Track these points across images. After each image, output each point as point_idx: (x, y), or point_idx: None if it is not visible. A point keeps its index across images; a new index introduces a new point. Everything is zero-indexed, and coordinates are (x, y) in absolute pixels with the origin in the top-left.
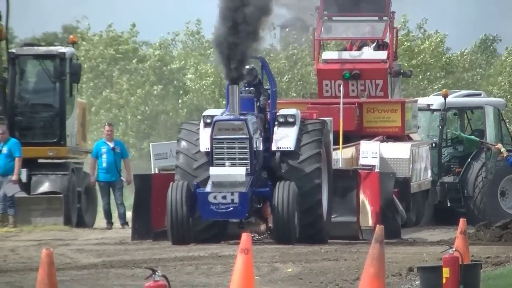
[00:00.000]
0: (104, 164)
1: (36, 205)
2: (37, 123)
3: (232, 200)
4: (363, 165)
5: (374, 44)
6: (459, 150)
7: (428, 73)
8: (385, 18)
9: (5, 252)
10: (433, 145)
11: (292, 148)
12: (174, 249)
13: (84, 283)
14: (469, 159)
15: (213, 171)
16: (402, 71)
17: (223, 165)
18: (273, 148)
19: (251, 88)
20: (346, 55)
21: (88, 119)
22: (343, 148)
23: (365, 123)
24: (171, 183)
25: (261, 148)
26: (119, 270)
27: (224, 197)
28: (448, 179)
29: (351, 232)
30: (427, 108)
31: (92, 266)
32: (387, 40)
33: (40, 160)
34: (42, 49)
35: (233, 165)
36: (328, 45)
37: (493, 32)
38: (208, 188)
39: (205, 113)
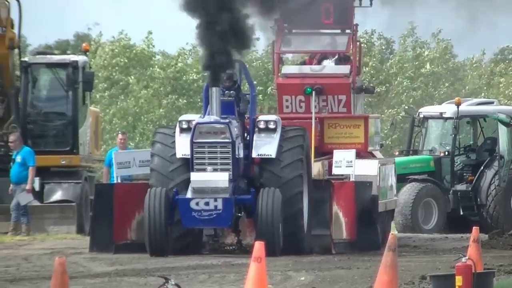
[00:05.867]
0: None
1: (49, 214)
2: (50, 132)
3: (216, 206)
4: (336, 175)
5: (335, 57)
6: (471, 158)
7: (431, 82)
8: (348, 30)
9: (18, 261)
10: (446, 153)
11: (273, 156)
12: (187, 257)
13: None
14: (482, 167)
15: (194, 176)
16: (364, 87)
17: (204, 170)
18: (254, 155)
19: (232, 92)
20: (307, 69)
21: (101, 128)
22: None
23: (326, 139)
24: (148, 190)
25: (241, 155)
26: (132, 279)
27: (207, 204)
28: (461, 187)
29: (324, 245)
30: (440, 117)
31: (105, 275)
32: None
33: (52, 169)
34: (55, 58)
35: (215, 170)
36: (288, 60)
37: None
38: (189, 195)
39: (181, 118)
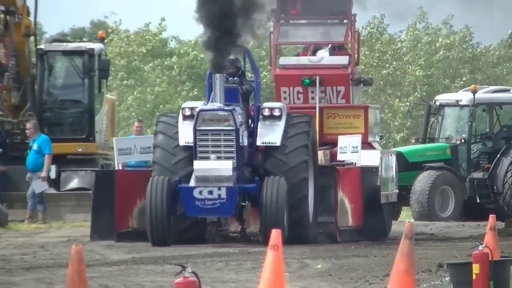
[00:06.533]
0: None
1: (65, 201)
2: (66, 119)
3: (219, 195)
4: (340, 161)
5: (329, 47)
6: (488, 146)
7: (451, 70)
8: (346, 21)
9: (34, 249)
10: (462, 141)
11: (278, 144)
12: (204, 245)
13: (114, 279)
14: (498, 155)
15: (197, 165)
16: (362, 79)
17: (207, 158)
18: (258, 143)
19: (235, 79)
20: (304, 60)
21: (117, 115)
22: None
23: (325, 129)
24: (150, 178)
25: (245, 143)
26: (149, 267)
27: (210, 192)
28: (477, 175)
29: (329, 233)
30: (456, 104)
31: (122, 263)
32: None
33: (69, 156)
34: (71, 45)
35: (218, 158)
36: (284, 51)
37: None
38: (192, 183)
39: (184, 105)
